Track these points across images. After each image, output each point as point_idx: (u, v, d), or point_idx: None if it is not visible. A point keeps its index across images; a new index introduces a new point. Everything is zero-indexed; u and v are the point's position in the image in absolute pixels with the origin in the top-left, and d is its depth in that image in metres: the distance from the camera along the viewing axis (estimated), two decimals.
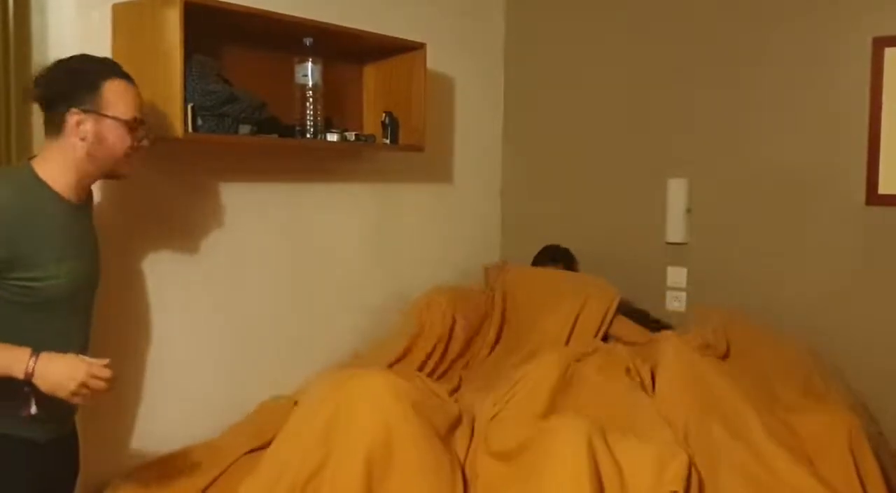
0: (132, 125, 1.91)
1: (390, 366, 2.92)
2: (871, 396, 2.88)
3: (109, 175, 1.97)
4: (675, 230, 3.31)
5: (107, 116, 1.86)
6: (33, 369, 1.69)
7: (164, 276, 2.47)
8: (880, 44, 2.86)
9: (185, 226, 2.57)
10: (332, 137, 2.74)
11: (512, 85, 3.78)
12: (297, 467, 2.16)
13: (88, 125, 1.84)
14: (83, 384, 1.71)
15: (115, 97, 1.88)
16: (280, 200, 2.85)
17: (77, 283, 1.89)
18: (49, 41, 2.24)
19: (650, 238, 3.38)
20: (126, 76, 1.92)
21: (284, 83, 2.66)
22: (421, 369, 2.99)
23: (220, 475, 2.31)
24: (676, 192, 3.30)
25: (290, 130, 2.64)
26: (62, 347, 1.77)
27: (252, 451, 2.42)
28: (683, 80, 3.30)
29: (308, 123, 2.66)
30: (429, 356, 3.03)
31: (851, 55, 2.92)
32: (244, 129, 2.46)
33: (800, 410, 2.47)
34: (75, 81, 1.85)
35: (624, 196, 3.47)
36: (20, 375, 1.69)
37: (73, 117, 1.83)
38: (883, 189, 2.88)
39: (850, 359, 2.92)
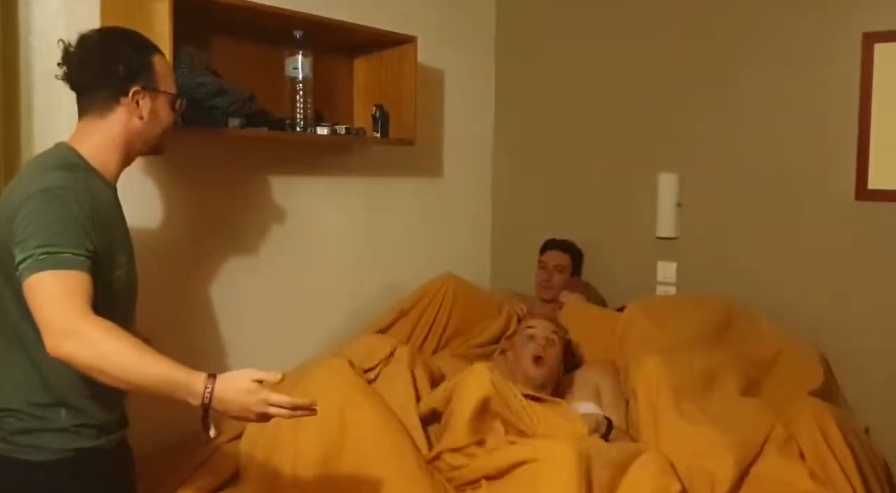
0: (173, 99, 1.87)
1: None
2: (862, 388, 2.90)
3: (151, 152, 1.89)
4: (666, 225, 3.31)
5: (161, 92, 1.82)
6: (210, 398, 1.54)
7: (147, 271, 2.45)
8: (870, 39, 2.85)
9: (172, 221, 2.55)
10: (323, 131, 2.74)
11: (503, 79, 3.77)
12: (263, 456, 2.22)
13: (146, 102, 1.78)
14: (263, 415, 1.58)
15: (165, 71, 1.84)
16: (269, 194, 2.84)
17: (134, 272, 1.83)
18: (35, 32, 2.22)
19: (640, 233, 3.39)
20: (160, 49, 1.88)
21: (274, 76, 2.65)
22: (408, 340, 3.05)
23: (195, 471, 2.32)
24: (667, 186, 3.30)
25: (279, 124, 2.63)
26: None
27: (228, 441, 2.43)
28: (674, 76, 3.29)
29: (298, 116, 2.65)
30: (415, 326, 3.10)
31: (841, 50, 2.92)
32: (233, 122, 2.45)
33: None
34: (130, 58, 1.77)
35: (614, 191, 3.46)
36: (195, 403, 1.54)
37: (134, 96, 1.76)
38: (872, 184, 2.88)
39: (840, 353, 2.92)
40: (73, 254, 1.56)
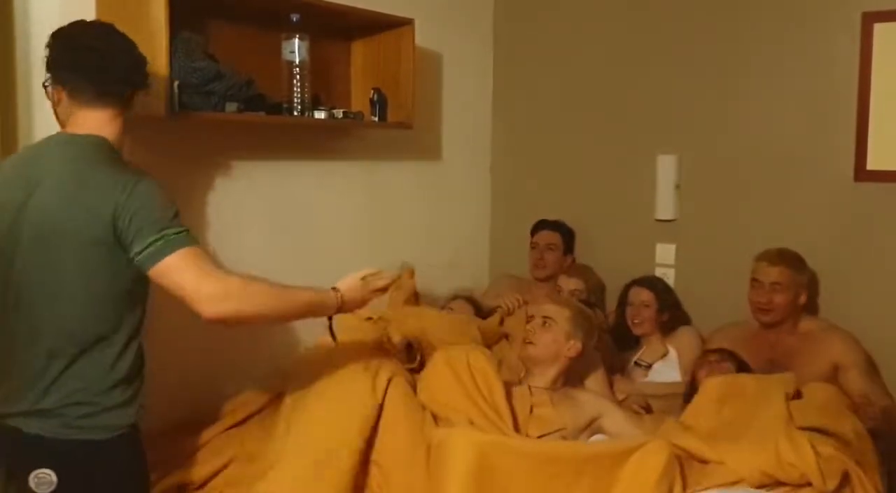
0: None
1: None
2: None
3: None
4: (665, 207, 3.31)
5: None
6: (342, 303, 2.00)
7: None
8: (870, 19, 2.84)
9: None
10: (320, 115, 2.73)
11: (501, 61, 3.76)
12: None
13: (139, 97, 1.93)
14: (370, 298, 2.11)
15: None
16: (267, 179, 2.84)
17: None
18: (32, 18, 2.21)
19: (639, 215, 3.38)
20: None
21: (271, 60, 2.64)
22: None
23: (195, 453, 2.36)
24: (666, 168, 3.29)
25: (277, 108, 2.63)
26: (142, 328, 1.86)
27: (228, 429, 2.47)
28: (673, 57, 3.28)
29: (295, 100, 2.64)
30: None
31: (841, 30, 2.90)
32: (230, 106, 2.45)
33: None
34: (144, 63, 1.89)
35: (613, 173, 3.46)
36: (332, 311, 2.01)
37: (144, 90, 1.90)
38: (871, 165, 2.87)
39: None
40: (189, 231, 1.76)
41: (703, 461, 2.23)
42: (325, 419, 2.23)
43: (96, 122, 1.83)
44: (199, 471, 2.29)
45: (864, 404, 2.49)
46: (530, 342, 2.61)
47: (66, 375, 1.74)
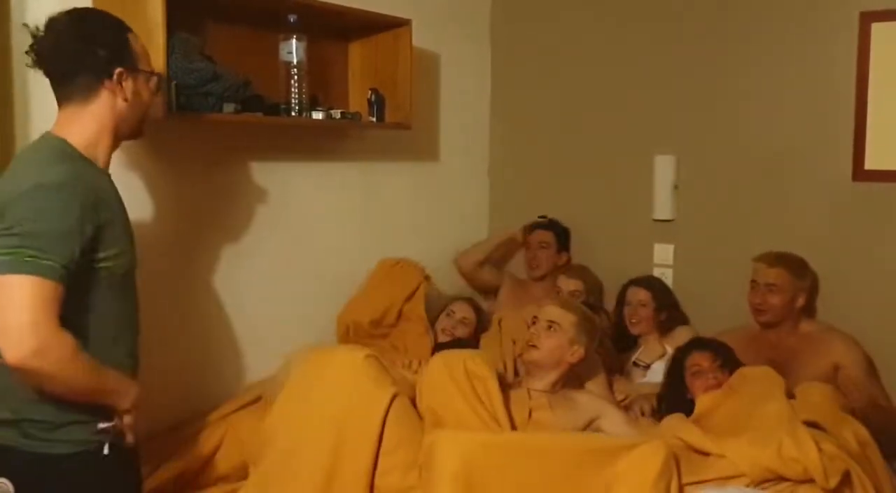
0: (150, 78, 1.83)
1: None
2: None
3: (133, 135, 1.85)
4: (663, 207, 3.31)
5: (141, 71, 1.78)
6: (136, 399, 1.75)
7: (145, 261, 2.44)
8: (867, 18, 2.84)
9: (168, 208, 2.54)
10: (318, 115, 2.72)
11: (499, 61, 3.76)
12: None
13: (129, 83, 1.74)
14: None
15: (141, 50, 1.80)
16: (265, 180, 2.83)
17: (134, 256, 1.80)
18: (28, 18, 2.20)
19: (637, 215, 3.38)
20: (132, 28, 1.82)
21: (269, 61, 2.63)
22: None
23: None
24: (664, 168, 3.29)
25: (274, 109, 2.62)
26: (128, 329, 1.76)
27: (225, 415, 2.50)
28: (670, 57, 3.28)
29: (293, 100, 2.64)
30: None
31: (838, 30, 2.90)
32: (228, 107, 2.44)
33: None
34: (109, 39, 1.72)
35: (611, 173, 3.46)
36: (126, 406, 1.72)
37: (118, 77, 1.71)
38: (870, 165, 2.87)
39: None
40: (53, 263, 1.53)
41: (704, 454, 2.23)
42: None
43: (61, 119, 1.72)
44: (192, 463, 2.31)
45: (853, 390, 2.49)
46: (534, 346, 2.58)
47: (14, 393, 1.64)
